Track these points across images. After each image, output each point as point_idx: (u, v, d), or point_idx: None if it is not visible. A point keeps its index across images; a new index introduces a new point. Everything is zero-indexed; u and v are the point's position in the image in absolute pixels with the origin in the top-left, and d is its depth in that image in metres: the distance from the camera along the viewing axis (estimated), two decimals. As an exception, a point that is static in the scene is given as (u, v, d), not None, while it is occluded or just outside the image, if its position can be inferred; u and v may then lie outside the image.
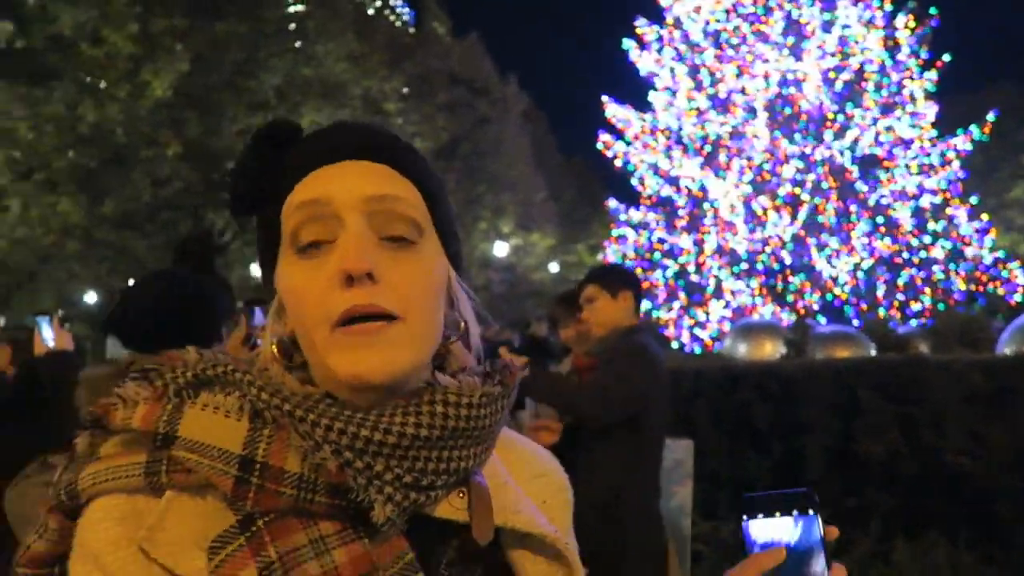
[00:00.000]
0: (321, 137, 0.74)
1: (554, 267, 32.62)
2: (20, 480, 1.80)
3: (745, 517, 0.79)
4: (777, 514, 0.77)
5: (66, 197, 14.34)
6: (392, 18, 42.10)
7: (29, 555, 0.67)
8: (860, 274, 10.06)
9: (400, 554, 0.66)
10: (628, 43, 11.69)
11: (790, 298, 10.02)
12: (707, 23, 10.93)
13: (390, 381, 0.67)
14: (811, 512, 0.77)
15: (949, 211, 10.42)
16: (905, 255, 10.18)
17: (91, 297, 20.73)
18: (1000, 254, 10.48)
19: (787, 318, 9.41)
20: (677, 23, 11.30)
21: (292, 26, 16.67)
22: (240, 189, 0.74)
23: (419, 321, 0.69)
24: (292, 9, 17.08)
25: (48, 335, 2.30)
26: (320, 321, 0.67)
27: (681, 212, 11.10)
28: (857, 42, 10.50)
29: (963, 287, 10.05)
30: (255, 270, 18.85)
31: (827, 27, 10.46)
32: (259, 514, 0.64)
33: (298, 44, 16.55)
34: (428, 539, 0.71)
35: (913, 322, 9.65)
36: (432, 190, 0.75)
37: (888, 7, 10.79)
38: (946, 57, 10.91)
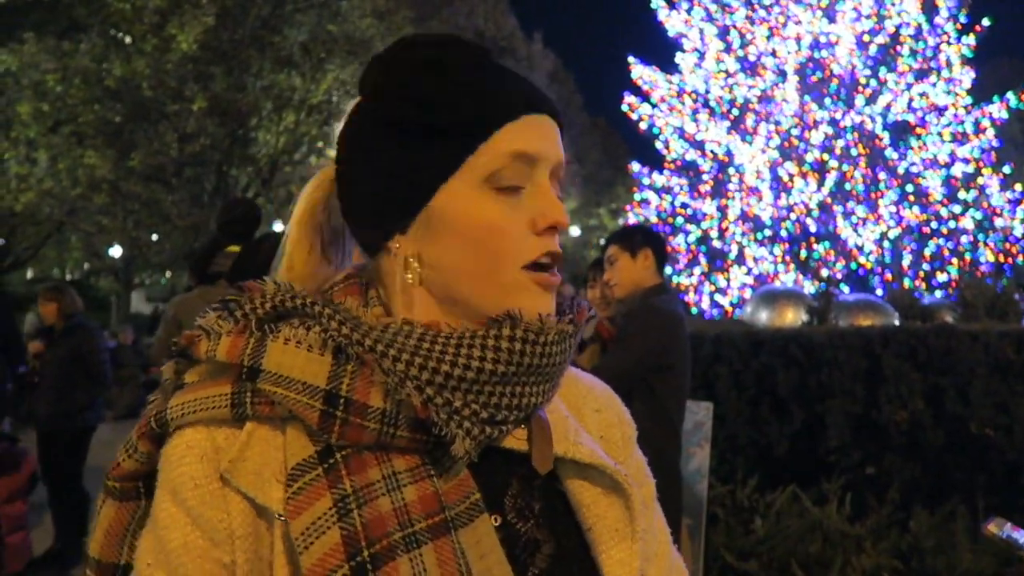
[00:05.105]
0: (518, 82, 0.76)
1: (575, 231, 32.49)
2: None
3: None
4: None
5: (93, 150, 14.45)
6: (417, -26, 41.52)
7: (119, 471, 0.72)
8: (886, 243, 9.93)
9: (467, 494, 0.69)
10: (657, 2, 11.46)
11: (813, 266, 9.92)
12: (740, -18, 10.68)
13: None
14: None
15: (981, 180, 10.21)
16: (933, 225, 10.01)
17: (116, 251, 20.97)
18: (1031, 225, 10.27)
19: (809, 286, 9.34)
20: (709, -18, 11.04)
21: (317, -19, 16.50)
22: (441, 118, 0.71)
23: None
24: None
25: None
26: (513, 259, 0.71)
27: (705, 177, 10.96)
28: (893, 4, 10.20)
29: (991, 258, 9.90)
30: (278, 227, 18.95)
31: (863, -12, 10.17)
32: (338, 447, 0.66)
33: (323, -1, 16.40)
34: (494, 470, 0.74)
35: (938, 293, 9.54)
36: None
37: (928, -32, 10.47)
38: (985, 21, 10.59)
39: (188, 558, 0.65)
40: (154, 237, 17.17)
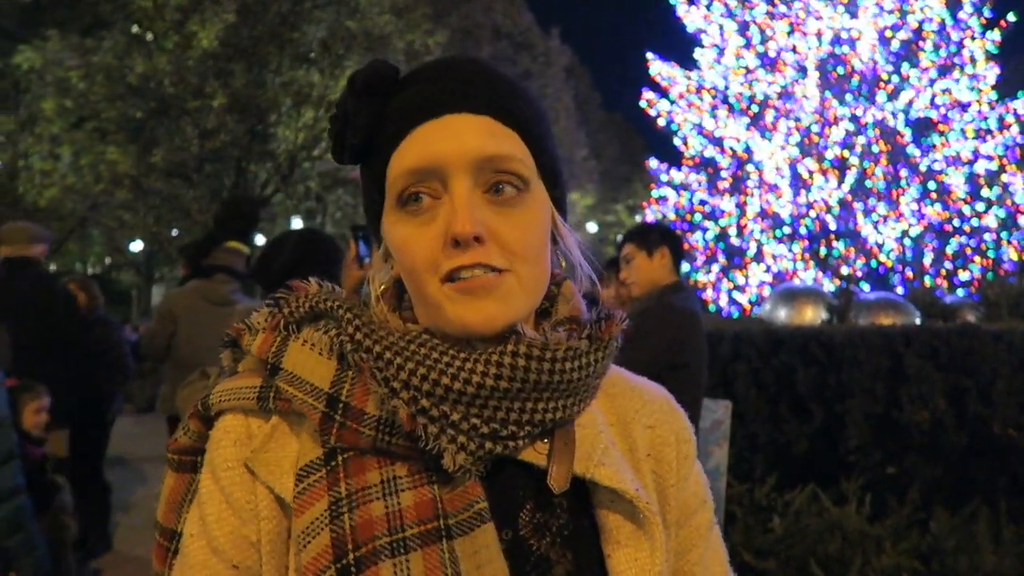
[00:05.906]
0: (422, 84, 0.72)
1: (592, 227, 32.41)
2: (185, 385, 2.32)
3: None
4: None
5: (116, 146, 14.62)
6: (435, -30, 41.51)
7: (176, 444, 0.79)
8: (907, 241, 9.83)
9: (471, 502, 0.67)
10: (676, -3, 11.40)
11: (833, 264, 9.84)
12: (760, -23, 10.60)
13: (499, 331, 0.68)
14: None
15: (1005, 178, 10.08)
16: (956, 223, 9.90)
17: (137, 245, 21.20)
18: (1056, 223, 10.12)
19: (829, 284, 9.27)
20: (728, -23, 10.97)
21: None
22: (346, 141, 0.74)
23: (527, 273, 0.70)
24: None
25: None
26: (429, 275, 0.69)
27: (724, 174, 10.91)
28: (917, -1, 10.11)
29: (1015, 257, 9.78)
30: (296, 222, 19.05)
31: (886, -17, 10.06)
32: (341, 449, 0.69)
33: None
34: (512, 483, 0.72)
35: (960, 292, 9.44)
36: (537, 134, 0.74)
37: (952, -38, 10.33)
38: (1011, 16, 10.44)
39: (221, 532, 0.70)
40: (174, 232, 17.35)
